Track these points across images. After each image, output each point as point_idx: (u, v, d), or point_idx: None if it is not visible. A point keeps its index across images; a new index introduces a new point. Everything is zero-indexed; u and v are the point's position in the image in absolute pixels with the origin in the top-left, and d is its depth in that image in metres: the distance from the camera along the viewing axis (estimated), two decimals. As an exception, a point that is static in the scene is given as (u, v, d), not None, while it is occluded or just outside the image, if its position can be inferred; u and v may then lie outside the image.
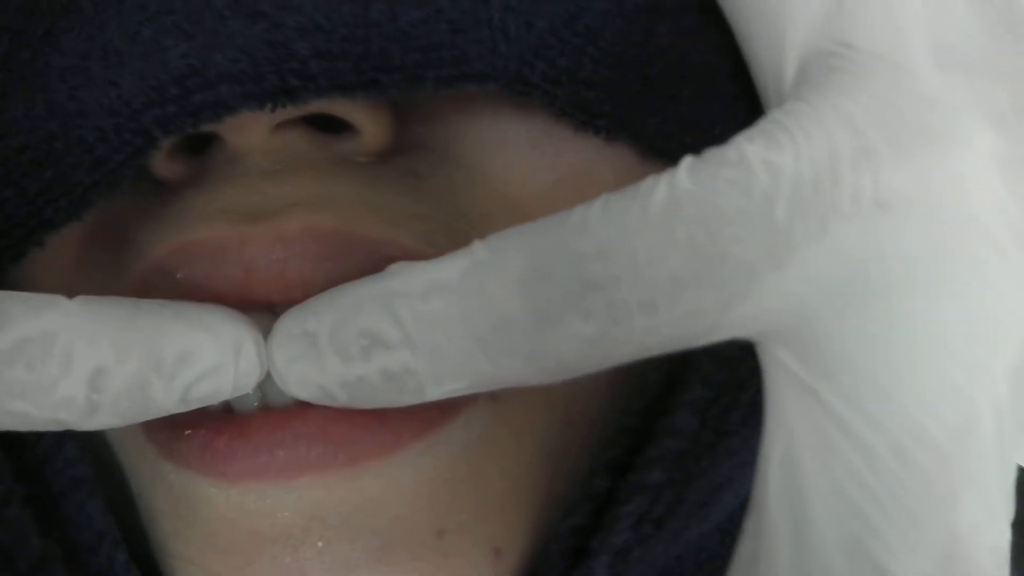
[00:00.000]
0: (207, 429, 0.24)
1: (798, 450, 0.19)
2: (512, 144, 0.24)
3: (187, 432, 0.24)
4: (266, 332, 0.21)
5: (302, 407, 0.24)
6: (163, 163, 0.24)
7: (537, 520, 0.25)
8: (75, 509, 0.25)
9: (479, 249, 0.19)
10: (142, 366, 0.20)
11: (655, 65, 0.23)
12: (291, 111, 0.22)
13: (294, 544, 0.23)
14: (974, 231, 0.18)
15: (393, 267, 0.20)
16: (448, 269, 0.19)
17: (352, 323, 0.20)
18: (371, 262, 0.23)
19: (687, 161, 0.18)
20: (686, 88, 0.23)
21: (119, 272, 0.25)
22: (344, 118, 0.23)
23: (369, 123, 0.23)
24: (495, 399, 0.24)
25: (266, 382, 0.24)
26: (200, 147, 0.24)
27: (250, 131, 0.23)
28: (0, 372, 0.19)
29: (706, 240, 0.17)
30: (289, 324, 0.21)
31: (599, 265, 0.17)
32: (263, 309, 0.23)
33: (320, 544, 0.23)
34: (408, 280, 0.19)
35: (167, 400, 0.20)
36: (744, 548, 0.21)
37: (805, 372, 0.18)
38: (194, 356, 0.20)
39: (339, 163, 0.24)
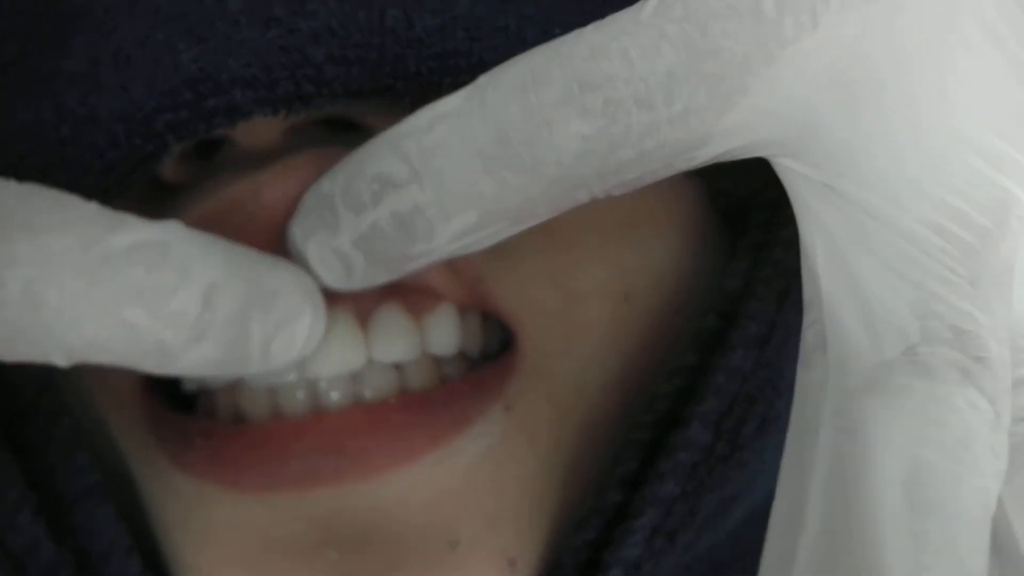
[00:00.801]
0: (219, 437, 0.24)
1: (843, 246, 0.19)
2: None
3: (198, 440, 0.24)
4: None
5: (315, 416, 0.23)
6: (172, 166, 0.23)
7: (550, 531, 0.25)
8: (86, 517, 0.25)
9: (481, 76, 0.19)
10: (249, 288, 0.19)
11: None
12: (304, 116, 0.22)
13: (307, 555, 0.23)
14: (963, 15, 0.18)
15: None
16: (451, 99, 0.19)
17: (364, 170, 0.19)
18: None
19: None
20: None
21: None
22: (354, 120, 0.23)
23: (382, 124, 0.23)
24: (509, 409, 0.24)
25: (278, 391, 0.24)
26: (208, 148, 0.24)
27: (262, 134, 0.22)
28: (119, 270, 0.18)
29: (697, 34, 0.17)
30: (308, 196, 0.21)
31: (592, 64, 0.17)
32: (284, 250, 0.22)
33: (334, 555, 0.23)
34: (414, 118, 0.19)
35: (259, 337, 0.20)
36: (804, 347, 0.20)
37: (821, 174, 0.18)
38: (283, 294, 0.20)
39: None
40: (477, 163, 0.18)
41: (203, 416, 0.25)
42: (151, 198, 0.24)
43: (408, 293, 0.24)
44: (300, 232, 0.21)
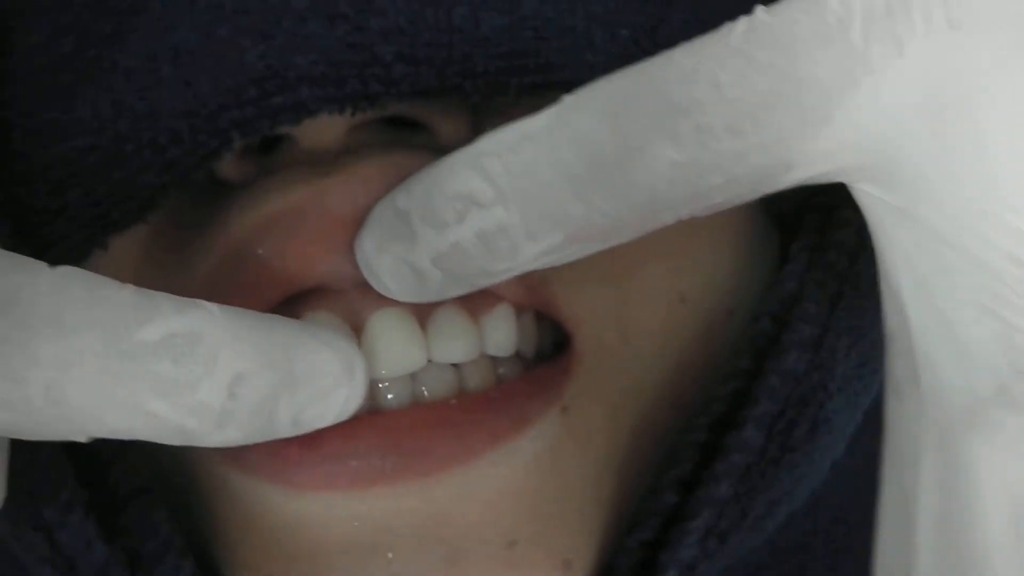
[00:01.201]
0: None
1: (926, 275, 0.19)
2: None
3: None
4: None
5: (373, 416, 0.23)
6: (231, 164, 0.23)
7: (604, 533, 0.25)
8: (139, 517, 0.24)
9: (566, 96, 0.19)
10: (278, 379, 0.19)
11: None
12: (369, 114, 0.22)
13: (363, 555, 0.23)
14: None
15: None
16: (536, 120, 0.19)
17: (445, 188, 0.19)
18: None
19: (760, 6, 0.18)
20: None
21: (187, 269, 0.24)
22: (417, 119, 0.23)
23: (446, 124, 0.23)
24: (566, 410, 0.24)
25: None
26: (268, 146, 0.24)
27: (325, 132, 0.22)
28: (148, 365, 0.18)
29: (786, 63, 0.17)
30: (381, 208, 0.21)
31: (683, 89, 0.17)
32: (348, 257, 0.22)
33: (389, 555, 0.23)
34: (497, 138, 0.19)
35: (287, 417, 0.19)
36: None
37: (901, 200, 0.18)
38: (318, 373, 0.20)
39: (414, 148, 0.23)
40: (566, 186, 0.18)
41: None
42: (207, 197, 0.24)
43: (467, 294, 0.24)
44: (372, 245, 0.21)
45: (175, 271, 0.24)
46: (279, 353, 0.19)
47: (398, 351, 0.23)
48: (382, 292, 0.22)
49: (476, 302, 0.24)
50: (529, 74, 0.21)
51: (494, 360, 0.25)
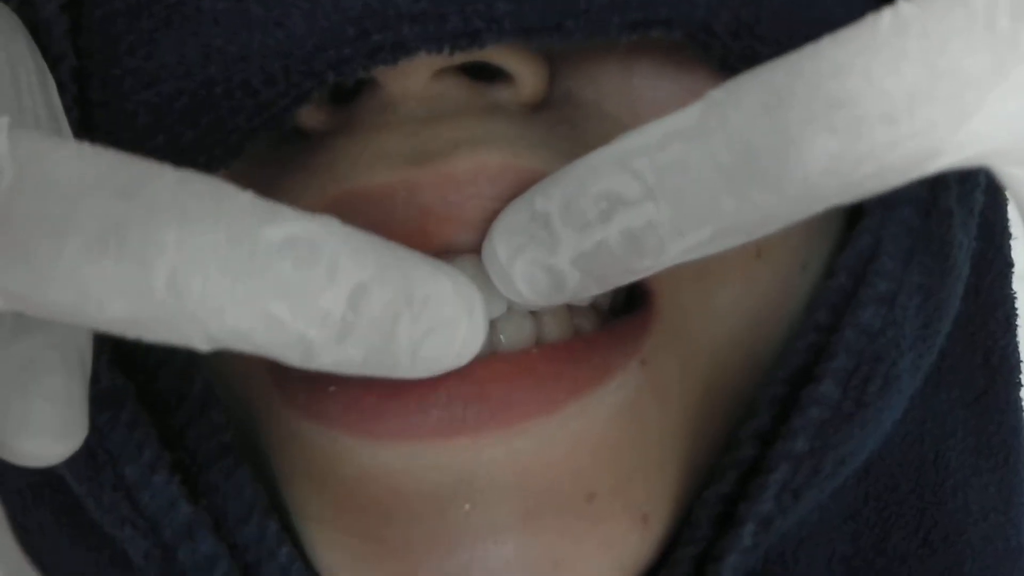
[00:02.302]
0: (354, 386, 0.23)
1: None
2: (667, 105, 0.24)
3: (332, 389, 0.24)
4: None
5: None
6: (311, 111, 0.23)
7: (681, 487, 0.25)
8: (223, 476, 0.25)
9: (713, 92, 0.19)
10: (398, 293, 0.19)
11: (818, 27, 0.23)
12: (458, 57, 0.22)
13: (440, 507, 0.23)
14: None
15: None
16: (683, 117, 0.19)
17: (588, 189, 0.19)
18: None
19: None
20: None
21: None
22: (502, 66, 0.23)
23: (527, 72, 0.23)
24: (644, 363, 0.24)
25: None
26: (344, 96, 0.24)
27: (411, 78, 0.22)
28: (268, 265, 0.18)
29: (936, 52, 0.17)
30: (513, 213, 0.21)
31: (837, 82, 0.18)
32: (437, 254, 0.22)
33: (467, 507, 0.23)
34: (641, 136, 0.19)
35: (407, 342, 0.19)
36: None
37: None
38: (438, 300, 0.20)
39: (494, 109, 0.23)
40: (719, 181, 0.18)
41: None
42: (290, 148, 0.24)
43: None
44: (506, 250, 0.21)
45: None
46: (399, 271, 0.19)
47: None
48: (511, 298, 0.22)
49: None
50: (631, 11, 0.21)
51: (571, 311, 0.25)
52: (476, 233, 0.22)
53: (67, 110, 0.24)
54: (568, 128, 0.24)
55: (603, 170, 0.19)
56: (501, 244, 0.21)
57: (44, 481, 0.28)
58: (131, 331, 0.18)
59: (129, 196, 0.17)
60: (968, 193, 0.27)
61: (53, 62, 0.24)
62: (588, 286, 0.21)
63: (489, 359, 0.23)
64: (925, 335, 0.26)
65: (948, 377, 0.29)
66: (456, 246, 0.23)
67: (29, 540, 0.30)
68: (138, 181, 0.18)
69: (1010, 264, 0.31)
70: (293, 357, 0.19)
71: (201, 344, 0.18)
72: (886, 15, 0.18)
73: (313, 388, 0.24)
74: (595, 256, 0.20)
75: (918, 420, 0.28)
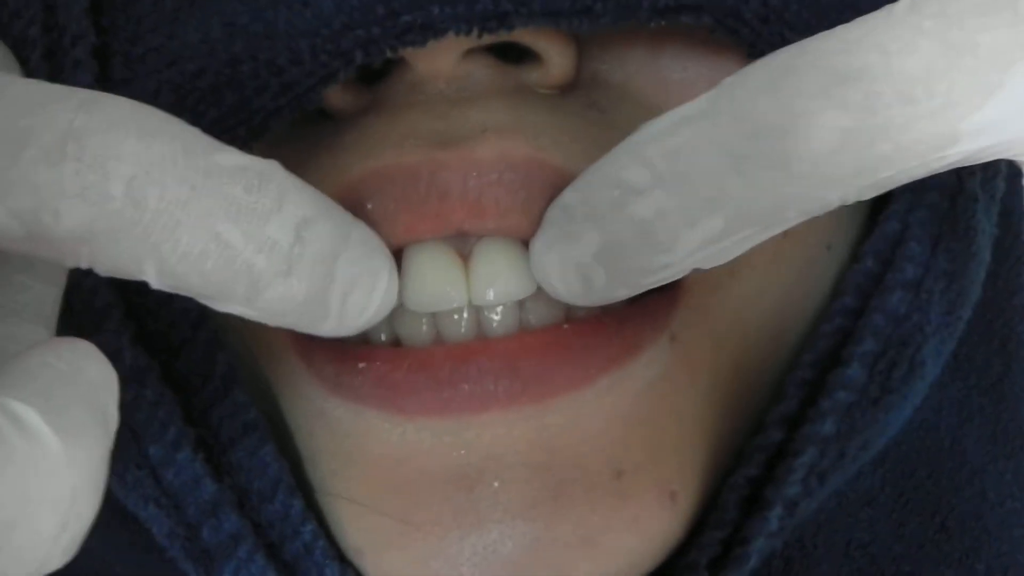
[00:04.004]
0: (383, 362, 0.23)
1: None
2: (695, 86, 0.24)
3: (361, 365, 0.24)
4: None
5: (482, 341, 0.23)
6: (337, 92, 0.23)
7: (708, 466, 0.25)
8: (247, 455, 0.24)
9: (725, 79, 0.19)
10: (338, 230, 0.20)
11: (847, 12, 0.23)
12: (487, 38, 0.22)
13: (468, 484, 0.23)
14: None
15: None
16: (695, 103, 0.19)
17: (602, 179, 0.20)
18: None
19: None
20: None
21: None
22: (531, 47, 0.23)
23: (556, 53, 0.23)
24: (674, 339, 0.24)
25: (438, 316, 0.24)
26: (371, 76, 0.24)
27: (440, 58, 0.22)
28: (220, 184, 0.18)
29: (954, 30, 0.17)
30: (551, 208, 0.21)
31: (850, 59, 0.17)
32: (454, 236, 0.23)
33: (496, 484, 0.23)
34: (655, 125, 0.19)
35: (341, 285, 0.20)
36: None
37: None
38: (369, 247, 0.20)
39: (523, 92, 0.23)
40: (725, 161, 0.18)
41: (359, 341, 0.25)
42: (316, 128, 0.24)
43: None
44: (542, 246, 0.21)
45: None
46: (338, 211, 0.20)
47: (507, 276, 0.23)
48: (553, 295, 0.22)
49: None
50: None
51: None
52: (492, 220, 0.23)
53: (87, 88, 0.24)
54: (597, 113, 0.24)
55: (618, 160, 0.19)
56: (539, 240, 0.21)
57: None
58: (85, 253, 0.18)
59: (89, 109, 0.18)
60: (991, 179, 0.27)
61: (72, 40, 0.24)
62: (614, 287, 0.20)
63: (520, 334, 0.23)
64: (948, 321, 0.26)
65: (965, 364, 0.29)
66: (470, 232, 0.23)
67: None
68: (97, 98, 0.18)
69: (1028, 250, 0.31)
70: (240, 290, 0.19)
71: (151, 273, 0.18)
72: (903, 1, 0.18)
73: (342, 364, 0.24)
74: (612, 250, 0.20)
75: (935, 407, 0.28)
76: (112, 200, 0.17)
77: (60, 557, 0.17)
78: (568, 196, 0.21)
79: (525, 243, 0.23)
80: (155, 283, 0.19)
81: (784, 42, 0.22)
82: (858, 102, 0.17)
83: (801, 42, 0.18)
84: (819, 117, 0.17)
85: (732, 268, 0.24)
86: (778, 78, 0.18)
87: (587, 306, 0.23)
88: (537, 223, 0.22)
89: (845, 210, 0.26)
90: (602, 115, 0.24)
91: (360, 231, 0.20)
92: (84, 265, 0.18)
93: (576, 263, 0.20)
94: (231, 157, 0.19)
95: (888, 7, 0.18)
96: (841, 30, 0.18)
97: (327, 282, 0.20)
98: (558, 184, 0.22)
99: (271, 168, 0.19)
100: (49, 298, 0.21)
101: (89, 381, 0.18)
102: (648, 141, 0.19)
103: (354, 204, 0.23)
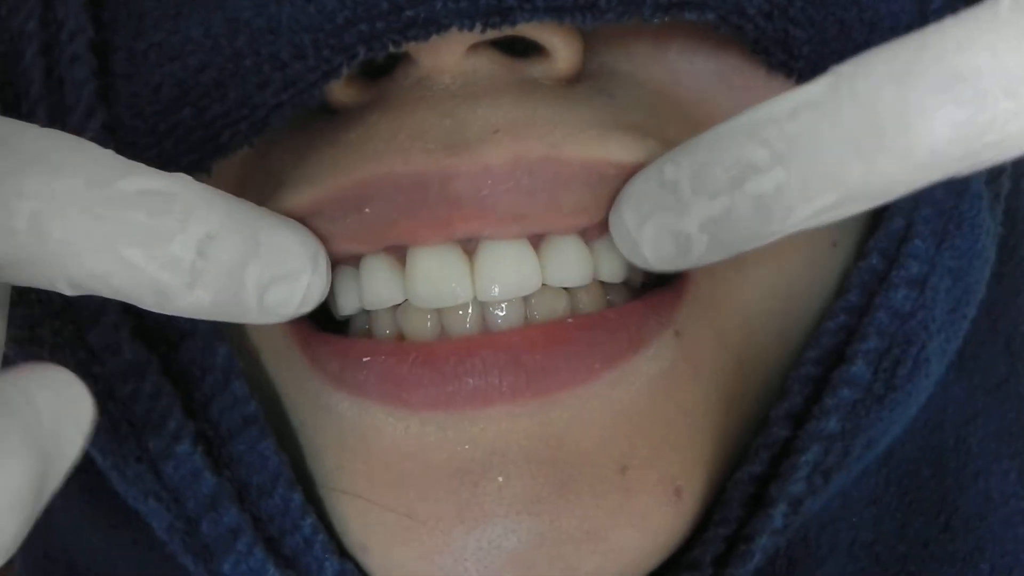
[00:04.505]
0: (387, 355, 0.23)
1: None
2: (702, 76, 0.24)
3: (365, 359, 0.23)
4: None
5: (487, 335, 0.23)
6: (341, 87, 0.23)
7: (713, 462, 0.24)
8: (247, 448, 0.24)
9: (840, 66, 0.19)
10: (245, 244, 0.20)
11: (851, 9, 0.23)
12: (491, 33, 0.22)
13: (473, 479, 0.23)
14: None
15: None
16: (811, 89, 0.19)
17: (718, 157, 0.20)
18: (587, 185, 0.22)
19: None
20: (876, 36, 0.23)
21: (284, 200, 0.24)
22: (538, 41, 0.23)
23: (562, 47, 0.23)
24: (678, 334, 0.24)
25: (445, 312, 0.24)
26: (375, 71, 0.23)
27: (444, 53, 0.22)
28: (124, 212, 0.19)
29: None
30: (642, 182, 0.22)
31: (963, 58, 0.18)
32: (463, 242, 0.23)
33: (500, 479, 0.23)
34: (768, 108, 0.20)
35: (254, 290, 0.21)
36: None
37: None
38: (283, 251, 0.21)
39: (530, 85, 0.23)
40: (847, 147, 0.19)
41: (362, 335, 0.25)
42: (317, 123, 0.24)
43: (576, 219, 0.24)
44: (635, 217, 0.22)
45: (273, 201, 0.24)
46: (246, 224, 0.20)
47: (512, 272, 0.23)
48: (636, 263, 0.23)
49: (588, 227, 0.24)
50: None
51: (604, 288, 0.25)
52: (503, 226, 0.22)
53: (84, 82, 0.24)
54: (606, 98, 0.24)
55: (732, 140, 0.20)
56: (629, 211, 0.22)
57: None
58: (4, 274, 0.19)
59: None
60: (995, 177, 0.27)
61: (70, 35, 0.24)
62: (714, 251, 0.21)
63: (524, 328, 0.23)
64: (953, 319, 0.26)
65: (970, 363, 0.29)
66: (482, 238, 0.23)
67: (49, 521, 0.30)
68: (2, 135, 0.19)
69: (1032, 250, 0.31)
70: (149, 300, 0.20)
71: (64, 287, 0.20)
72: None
73: (345, 358, 0.24)
74: (724, 221, 0.20)
75: (939, 406, 0.28)
76: (16, 234, 0.19)
77: None
78: (670, 171, 0.21)
79: (531, 239, 0.23)
80: (70, 294, 0.20)
81: (788, 38, 0.22)
82: (970, 98, 0.18)
83: (915, 38, 0.19)
84: (939, 112, 0.18)
85: (737, 263, 0.24)
86: (901, 74, 0.19)
87: (670, 272, 0.23)
88: (562, 217, 0.23)
89: None
90: (612, 100, 0.24)
91: (273, 237, 0.21)
92: (3, 280, 0.20)
93: (676, 232, 0.21)
94: (136, 181, 0.19)
95: (990, 4, 0.19)
96: (952, 27, 0.19)
97: (236, 288, 0.20)
98: (578, 176, 0.22)
99: (179, 186, 0.20)
100: None
101: (35, 410, 0.19)
102: (766, 123, 0.20)
103: (349, 206, 0.23)
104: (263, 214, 0.21)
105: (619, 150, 0.23)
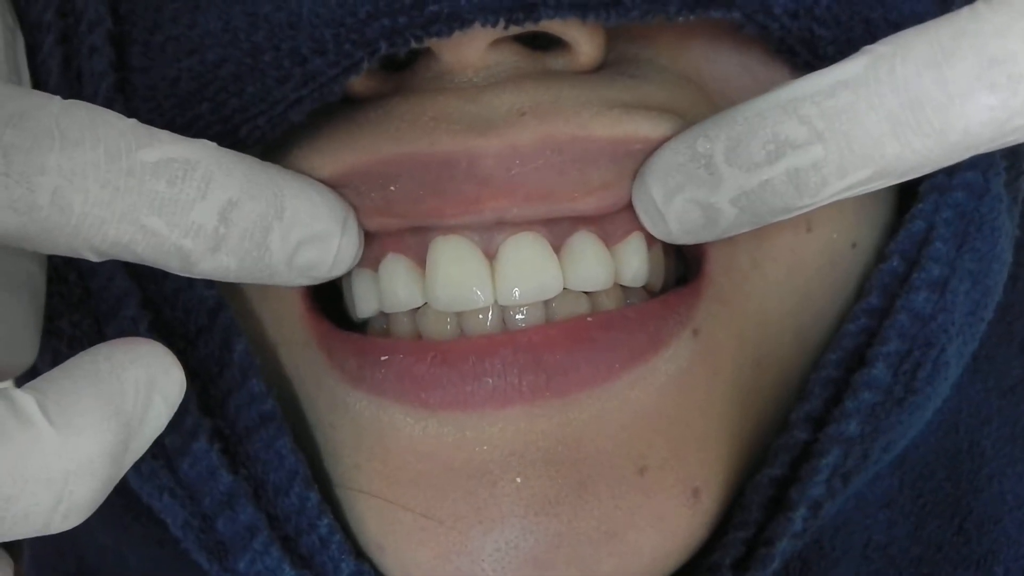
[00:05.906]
0: (406, 354, 0.23)
1: None
2: (726, 65, 0.24)
3: (383, 358, 0.23)
4: None
5: (506, 334, 0.23)
6: (361, 80, 0.23)
7: (730, 462, 0.24)
8: (263, 446, 0.24)
9: (877, 46, 0.20)
10: (268, 208, 0.21)
11: (876, 9, 0.23)
12: (514, 29, 0.21)
13: (491, 480, 0.23)
14: None
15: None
16: (848, 68, 0.20)
17: (756, 132, 0.21)
18: (614, 161, 0.22)
19: None
20: None
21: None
22: (561, 37, 0.23)
23: (584, 41, 0.23)
24: (696, 334, 0.24)
25: (463, 315, 0.23)
26: (397, 63, 0.23)
27: (466, 48, 0.22)
28: (144, 183, 0.20)
29: None
30: (671, 154, 0.22)
31: (999, 43, 0.19)
32: (490, 223, 0.23)
33: (518, 480, 0.22)
34: (807, 84, 0.21)
35: (281, 252, 0.21)
36: None
37: None
38: (309, 214, 0.21)
39: (554, 74, 0.23)
40: (885, 126, 0.20)
41: (382, 333, 0.25)
42: (336, 110, 0.24)
43: (601, 222, 0.24)
44: (663, 189, 0.22)
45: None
46: (269, 188, 0.21)
47: (533, 275, 0.23)
48: (658, 235, 0.23)
49: (609, 231, 0.24)
50: None
51: (624, 291, 0.25)
52: (531, 206, 0.22)
53: (102, 74, 0.23)
54: (628, 79, 0.24)
55: (770, 115, 0.21)
56: (656, 183, 0.22)
57: None
58: (27, 244, 0.20)
59: (16, 124, 0.19)
60: (1014, 180, 0.27)
61: (89, 26, 0.24)
62: (742, 223, 0.22)
63: (544, 326, 0.23)
64: (972, 321, 0.26)
65: (985, 365, 0.29)
66: (508, 219, 0.23)
67: None
68: (23, 109, 0.19)
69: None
70: (174, 265, 0.21)
71: (90, 255, 0.20)
72: None
73: (364, 357, 0.24)
74: (757, 194, 0.21)
75: (954, 408, 0.28)
76: (40, 209, 0.19)
77: (60, 523, 0.19)
78: (703, 145, 0.21)
79: (554, 233, 0.23)
80: (96, 260, 0.20)
81: (813, 38, 0.22)
82: (1003, 84, 0.19)
83: (952, 20, 0.20)
84: (975, 95, 0.19)
85: (755, 260, 0.24)
86: (940, 57, 0.19)
87: (694, 243, 0.23)
88: (588, 193, 0.23)
89: (871, 207, 0.26)
90: (633, 80, 0.24)
91: (299, 200, 0.21)
92: (29, 249, 0.20)
93: (705, 205, 0.21)
94: (157, 151, 0.20)
95: None
96: (986, 12, 0.20)
97: (261, 251, 0.21)
98: (606, 152, 0.23)
99: (200, 153, 0.20)
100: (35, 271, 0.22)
101: (121, 382, 0.19)
102: (804, 100, 0.21)
103: (373, 183, 0.23)
104: (290, 178, 0.21)
105: (647, 125, 0.23)
